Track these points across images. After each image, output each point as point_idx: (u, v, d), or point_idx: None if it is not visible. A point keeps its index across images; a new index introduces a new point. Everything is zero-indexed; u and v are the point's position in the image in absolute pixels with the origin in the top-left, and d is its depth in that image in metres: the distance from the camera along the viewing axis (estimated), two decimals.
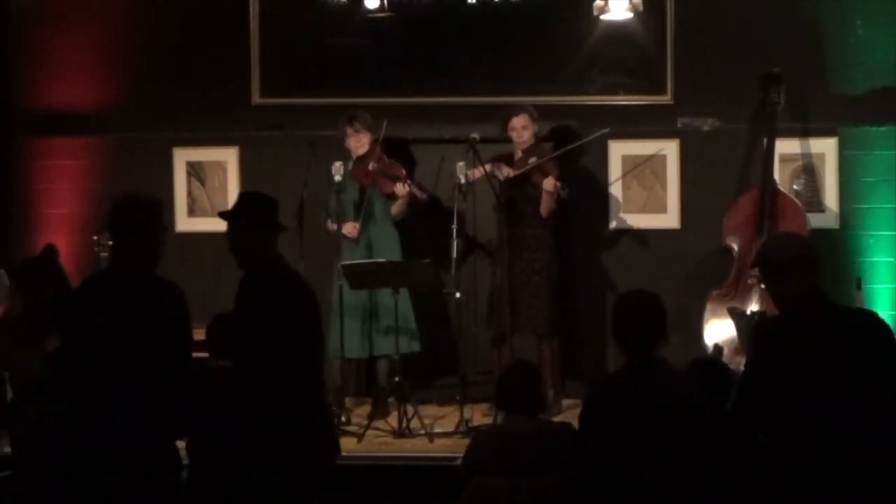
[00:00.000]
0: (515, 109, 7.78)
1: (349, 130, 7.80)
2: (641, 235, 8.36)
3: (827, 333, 4.40)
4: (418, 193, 7.74)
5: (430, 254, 7.61)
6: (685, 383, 4.82)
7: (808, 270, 4.50)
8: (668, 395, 4.65)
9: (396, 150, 8.18)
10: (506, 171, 7.68)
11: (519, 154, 7.76)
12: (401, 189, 7.68)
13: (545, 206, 7.64)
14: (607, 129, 7.95)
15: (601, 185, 8.40)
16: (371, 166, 7.70)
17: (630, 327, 4.75)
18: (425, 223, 8.15)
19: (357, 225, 7.74)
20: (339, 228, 7.65)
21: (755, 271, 6.76)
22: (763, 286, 4.63)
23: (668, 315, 4.84)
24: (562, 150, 7.79)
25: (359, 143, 7.80)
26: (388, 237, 7.84)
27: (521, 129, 7.72)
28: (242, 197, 5.28)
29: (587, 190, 8.35)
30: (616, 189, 8.40)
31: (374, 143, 7.79)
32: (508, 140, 7.81)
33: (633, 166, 8.36)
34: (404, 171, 7.80)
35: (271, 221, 5.05)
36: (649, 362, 4.73)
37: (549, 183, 7.54)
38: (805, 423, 4.31)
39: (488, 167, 7.66)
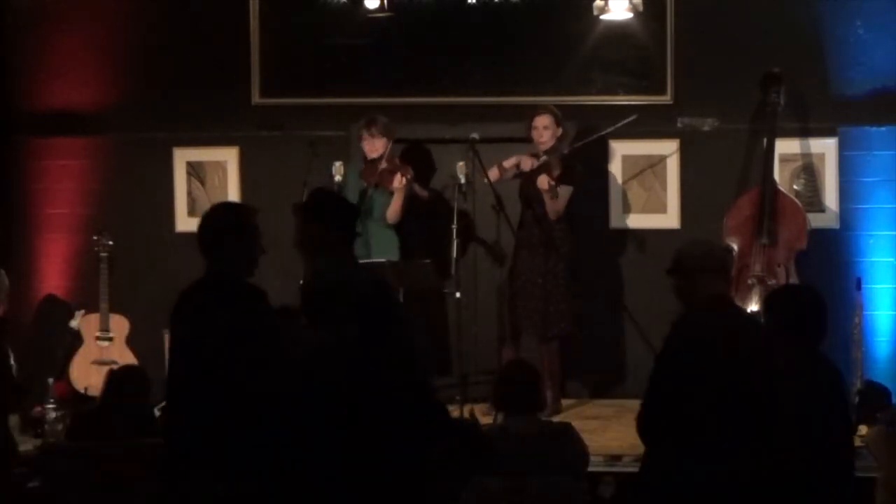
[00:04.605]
0: (539, 109, 7.77)
1: (365, 134, 7.78)
2: (641, 236, 8.36)
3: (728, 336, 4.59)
4: (418, 189, 7.74)
5: (430, 254, 7.62)
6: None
7: (718, 273, 4.70)
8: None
9: (415, 156, 8.18)
10: (494, 175, 7.68)
11: (540, 154, 7.75)
12: (398, 181, 7.66)
13: (548, 206, 7.64)
14: (634, 116, 7.95)
15: (601, 185, 8.40)
16: (381, 165, 7.70)
17: None
18: (425, 224, 8.15)
19: None
20: None
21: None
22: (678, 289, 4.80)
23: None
24: (575, 145, 7.79)
25: (373, 147, 7.78)
26: (387, 238, 7.83)
27: (542, 129, 7.70)
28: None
29: (587, 190, 8.35)
30: (616, 189, 8.40)
31: (387, 147, 7.78)
32: (523, 140, 7.80)
33: (638, 168, 8.38)
34: (410, 169, 7.79)
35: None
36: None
37: (542, 181, 7.54)
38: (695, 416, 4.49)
39: (494, 173, 7.66)
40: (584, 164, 7.87)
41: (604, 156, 8.37)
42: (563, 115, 8.01)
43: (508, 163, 7.79)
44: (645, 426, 4.63)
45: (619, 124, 7.90)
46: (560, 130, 7.74)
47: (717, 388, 4.49)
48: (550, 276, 7.69)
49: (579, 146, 7.83)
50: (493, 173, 7.73)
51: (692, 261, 4.71)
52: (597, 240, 8.40)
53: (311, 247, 4.94)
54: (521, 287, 7.73)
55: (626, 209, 8.40)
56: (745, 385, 4.53)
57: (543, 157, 7.65)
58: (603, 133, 7.95)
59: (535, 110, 7.76)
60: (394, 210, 7.78)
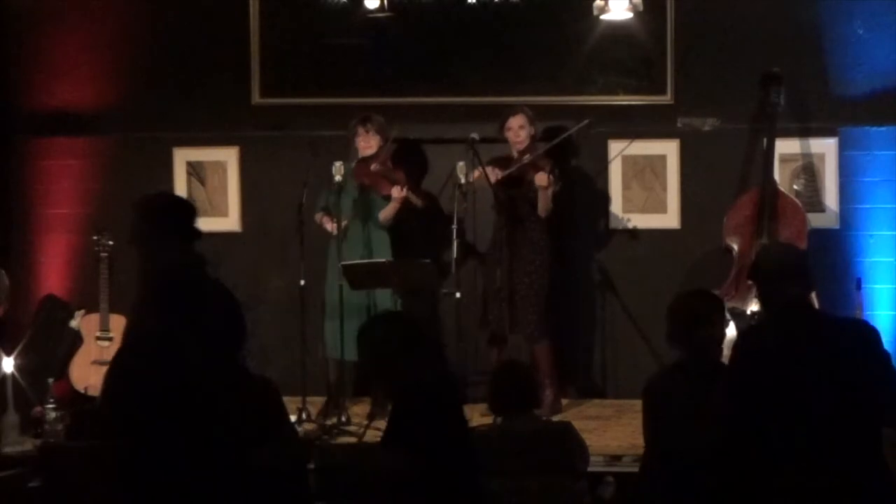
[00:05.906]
0: (513, 110, 7.79)
1: (360, 130, 7.79)
2: (640, 235, 8.36)
3: (816, 342, 4.39)
4: (414, 199, 7.76)
5: (430, 254, 7.62)
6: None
7: (798, 279, 4.52)
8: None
9: (409, 155, 8.19)
10: (494, 176, 7.65)
11: (515, 155, 7.76)
12: (397, 192, 7.67)
13: (542, 204, 7.64)
14: (586, 122, 7.93)
15: (601, 185, 8.40)
16: (373, 167, 7.70)
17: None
18: (425, 224, 8.15)
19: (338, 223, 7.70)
20: (337, 226, 7.61)
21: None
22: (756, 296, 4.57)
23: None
24: (549, 145, 7.80)
25: (367, 144, 7.78)
26: (382, 239, 7.83)
27: (518, 129, 7.73)
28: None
29: (587, 190, 8.36)
30: (616, 189, 8.40)
31: (382, 146, 7.79)
32: (505, 140, 7.81)
33: (638, 168, 8.38)
34: (405, 178, 7.79)
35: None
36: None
37: (541, 178, 7.54)
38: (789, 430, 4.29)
39: (488, 169, 7.66)
40: (583, 163, 7.86)
41: (604, 156, 8.37)
42: (562, 115, 8.04)
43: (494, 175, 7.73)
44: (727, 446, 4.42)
45: (576, 128, 7.87)
46: (533, 129, 7.76)
47: (799, 397, 4.31)
48: (535, 275, 7.70)
49: (551, 147, 7.79)
50: (494, 175, 7.71)
51: (767, 265, 4.59)
52: (597, 240, 8.41)
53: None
54: (508, 288, 7.70)
55: (626, 209, 8.39)
56: (836, 390, 4.31)
57: (526, 157, 7.65)
58: (564, 136, 7.88)
59: (508, 111, 7.77)
60: (389, 216, 7.77)
